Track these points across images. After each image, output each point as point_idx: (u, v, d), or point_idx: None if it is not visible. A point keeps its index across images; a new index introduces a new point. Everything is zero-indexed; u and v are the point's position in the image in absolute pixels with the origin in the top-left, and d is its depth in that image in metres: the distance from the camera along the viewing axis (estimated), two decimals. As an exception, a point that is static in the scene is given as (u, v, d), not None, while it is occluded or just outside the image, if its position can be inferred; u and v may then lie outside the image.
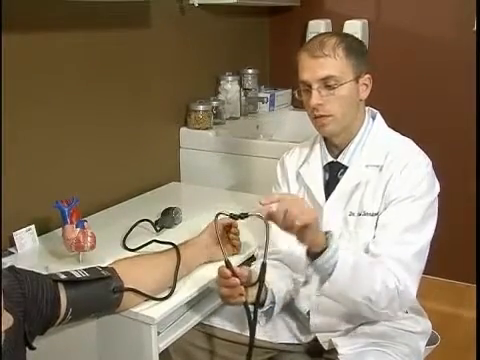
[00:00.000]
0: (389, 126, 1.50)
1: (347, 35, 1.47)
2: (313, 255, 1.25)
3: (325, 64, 1.36)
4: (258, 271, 1.28)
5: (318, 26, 2.70)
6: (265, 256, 1.26)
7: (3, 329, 0.98)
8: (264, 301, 1.39)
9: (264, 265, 1.27)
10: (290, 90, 2.79)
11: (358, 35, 2.60)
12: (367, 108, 1.50)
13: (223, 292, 1.30)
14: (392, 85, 2.65)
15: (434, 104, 2.59)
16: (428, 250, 1.37)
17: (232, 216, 1.32)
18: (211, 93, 2.52)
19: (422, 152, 1.43)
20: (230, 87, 2.53)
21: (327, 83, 1.37)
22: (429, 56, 2.57)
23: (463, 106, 2.51)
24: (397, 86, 2.65)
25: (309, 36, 2.73)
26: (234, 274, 1.27)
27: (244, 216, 1.30)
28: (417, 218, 1.34)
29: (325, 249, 1.23)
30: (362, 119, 1.46)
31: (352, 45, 1.40)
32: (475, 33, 2.38)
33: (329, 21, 2.73)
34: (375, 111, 1.51)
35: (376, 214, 1.38)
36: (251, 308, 1.29)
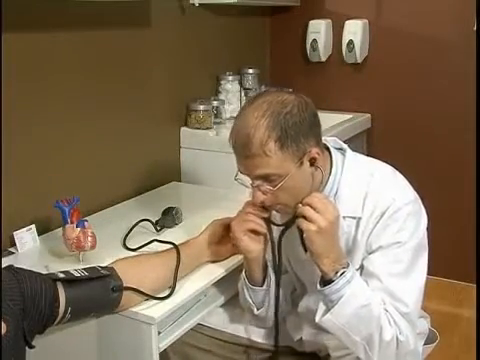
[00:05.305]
0: (369, 152, 1.38)
1: (282, 109, 1.15)
2: (325, 281, 1.19)
3: (257, 163, 1.15)
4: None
5: (318, 26, 2.70)
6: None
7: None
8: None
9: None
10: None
11: (358, 35, 2.61)
12: (332, 141, 1.31)
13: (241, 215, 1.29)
14: (392, 85, 2.66)
15: (434, 104, 2.59)
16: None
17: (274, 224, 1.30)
18: (211, 93, 2.52)
19: (403, 186, 1.28)
20: (230, 87, 2.52)
21: (267, 179, 1.17)
22: (429, 56, 2.57)
23: (463, 106, 2.51)
24: (397, 86, 2.66)
25: (309, 36, 2.74)
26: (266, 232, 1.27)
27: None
28: (406, 263, 1.22)
29: (337, 275, 1.17)
30: (327, 171, 1.26)
31: (287, 129, 1.13)
32: (475, 33, 2.38)
33: (329, 21, 2.73)
34: (344, 146, 1.32)
35: (358, 269, 1.25)
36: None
